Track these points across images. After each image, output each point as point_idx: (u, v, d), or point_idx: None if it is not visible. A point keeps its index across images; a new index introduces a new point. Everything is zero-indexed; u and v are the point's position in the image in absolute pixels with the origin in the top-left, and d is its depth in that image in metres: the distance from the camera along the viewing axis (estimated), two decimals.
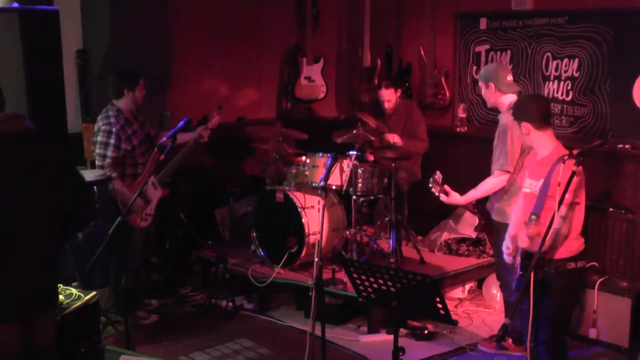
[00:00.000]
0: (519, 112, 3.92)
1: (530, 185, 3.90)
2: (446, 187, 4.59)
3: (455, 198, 4.64)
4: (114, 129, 5.09)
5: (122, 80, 5.18)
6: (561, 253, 3.77)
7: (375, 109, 6.54)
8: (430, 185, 4.56)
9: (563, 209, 3.65)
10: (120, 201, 5.08)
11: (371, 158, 6.01)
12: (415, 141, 6.23)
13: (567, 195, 3.60)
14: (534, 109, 3.87)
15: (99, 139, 5.10)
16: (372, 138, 5.97)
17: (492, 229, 4.97)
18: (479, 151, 5.39)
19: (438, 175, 4.55)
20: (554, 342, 3.94)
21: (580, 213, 3.79)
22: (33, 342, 3.28)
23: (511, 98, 4.66)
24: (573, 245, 3.80)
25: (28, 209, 3.16)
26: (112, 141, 5.08)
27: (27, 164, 3.15)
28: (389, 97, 6.30)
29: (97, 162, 5.15)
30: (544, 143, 3.88)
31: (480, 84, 4.81)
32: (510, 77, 4.76)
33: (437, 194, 4.58)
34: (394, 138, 5.99)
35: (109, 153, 5.08)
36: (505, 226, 4.26)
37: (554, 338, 3.93)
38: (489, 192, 4.70)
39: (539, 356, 3.90)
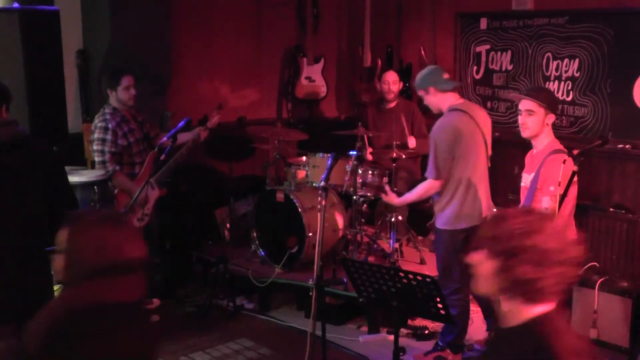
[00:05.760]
0: (555, 102, 4.06)
1: (525, 179, 3.95)
2: (386, 186, 4.66)
3: (392, 198, 4.65)
4: (109, 125, 5.12)
5: (105, 80, 5.24)
6: None
7: (376, 109, 6.52)
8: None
9: (547, 199, 3.70)
10: (122, 190, 5.09)
11: (370, 158, 6.01)
12: (426, 140, 6.22)
13: (552, 187, 3.69)
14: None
15: (96, 135, 5.13)
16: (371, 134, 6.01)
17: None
18: None
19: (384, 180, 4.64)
20: None
21: (566, 205, 3.75)
22: None
23: (452, 98, 4.53)
24: None
25: (18, 214, 3.17)
26: (108, 137, 5.10)
27: (17, 171, 3.16)
28: (394, 78, 6.29)
29: (96, 159, 5.16)
30: (542, 137, 3.95)
31: (420, 93, 4.61)
32: (446, 75, 4.58)
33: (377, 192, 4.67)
34: (412, 142, 5.99)
35: (107, 148, 5.10)
36: (440, 232, 4.48)
37: None
38: (421, 196, 4.62)
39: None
